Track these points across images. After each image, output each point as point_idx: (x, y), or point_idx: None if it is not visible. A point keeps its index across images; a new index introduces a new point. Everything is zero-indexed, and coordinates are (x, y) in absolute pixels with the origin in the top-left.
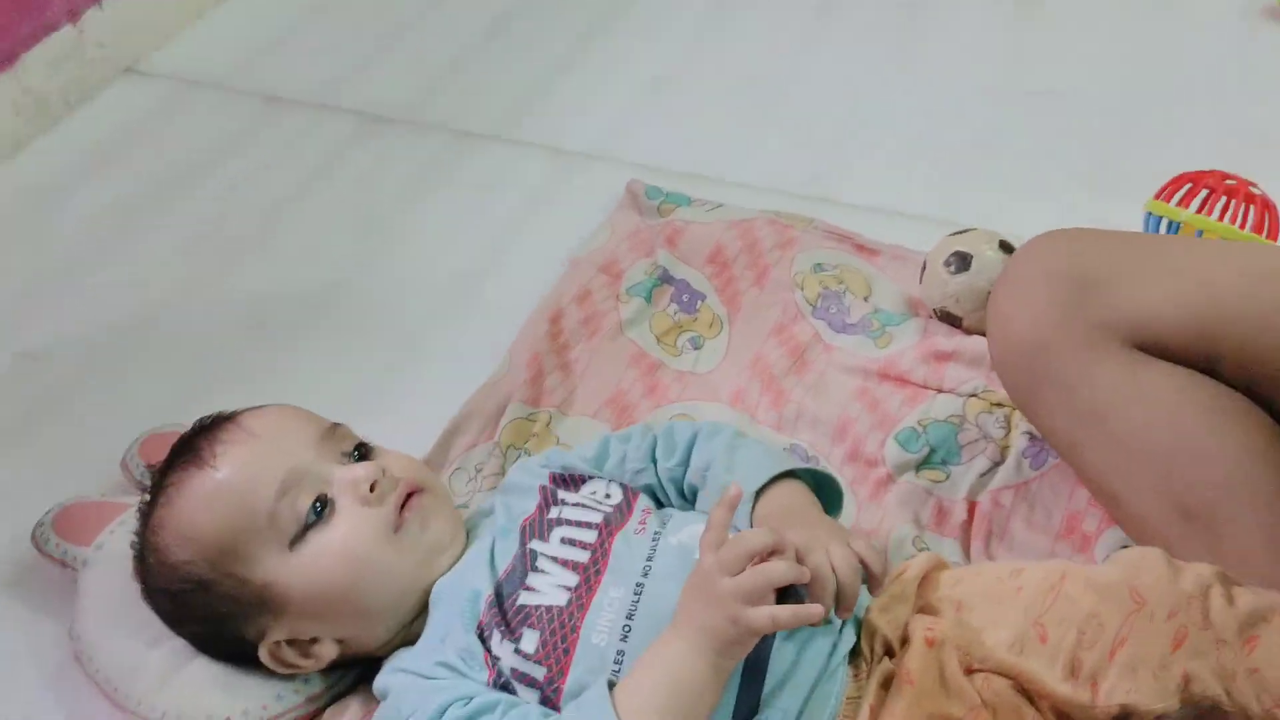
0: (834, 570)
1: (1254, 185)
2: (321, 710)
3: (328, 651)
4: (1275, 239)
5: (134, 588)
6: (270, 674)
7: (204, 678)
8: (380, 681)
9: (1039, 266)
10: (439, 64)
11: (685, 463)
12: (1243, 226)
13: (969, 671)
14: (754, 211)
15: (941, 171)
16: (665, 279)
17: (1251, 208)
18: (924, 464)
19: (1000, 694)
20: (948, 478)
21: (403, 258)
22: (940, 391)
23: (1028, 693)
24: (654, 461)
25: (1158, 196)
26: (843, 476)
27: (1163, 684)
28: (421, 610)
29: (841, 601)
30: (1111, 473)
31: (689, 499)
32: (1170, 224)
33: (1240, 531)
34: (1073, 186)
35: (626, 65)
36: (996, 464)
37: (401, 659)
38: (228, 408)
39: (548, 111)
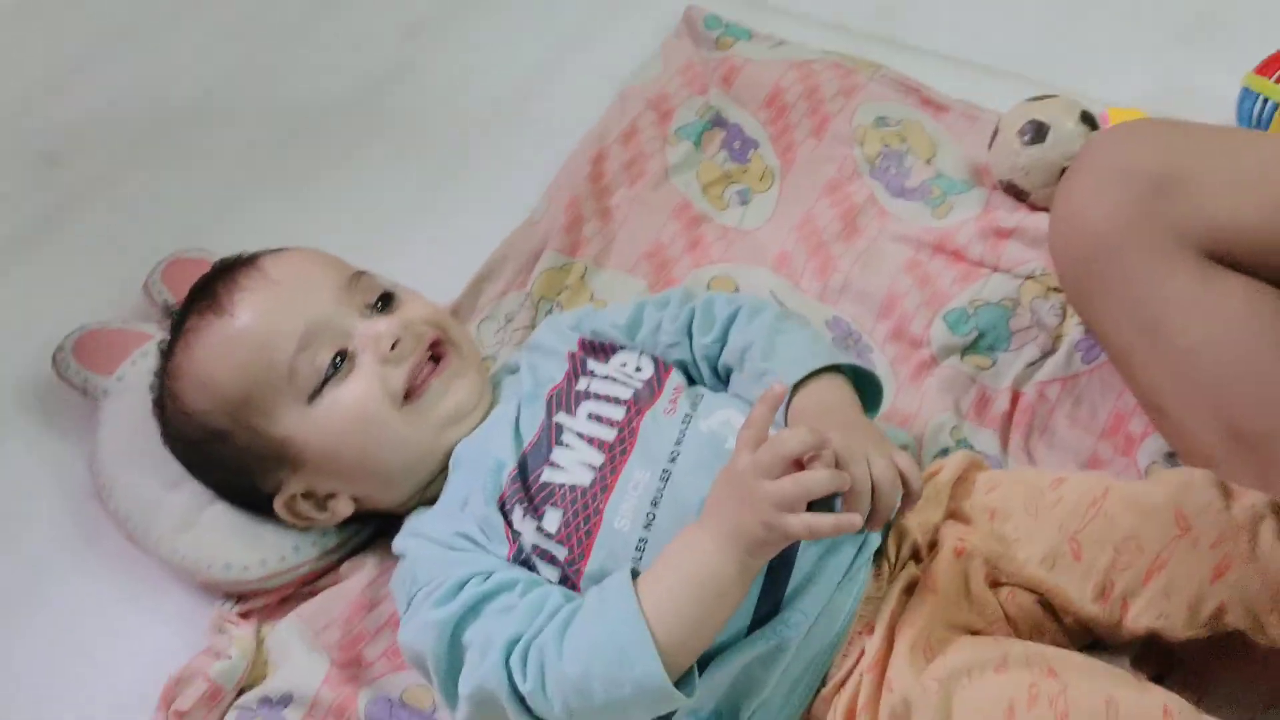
0: (872, 482)
1: None
2: (338, 564)
3: (343, 508)
4: None
5: (154, 425)
6: (287, 524)
7: (222, 525)
8: (399, 543)
9: (1116, 160)
10: None
11: (722, 340)
12: None
13: (995, 585)
14: (819, 52)
15: (1026, 21)
16: (717, 122)
17: None
18: (970, 348)
19: (1024, 609)
20: (994, 364)
21: (447, 70)
22: (996, 270)
23: (1054, 607)
24: (690, 336)
25: (1259, 71)
26: (885, 354)
27: (1195, 613)
28: (441, 471)
29: (875, 515)
30: (1164, 386)
31: (723, 379)
32: (1266, 101)
33: None
34: (1169, 51)
35: None
36: (1047, 354)
37: (421, 522)
38: (257, 225)
39: None
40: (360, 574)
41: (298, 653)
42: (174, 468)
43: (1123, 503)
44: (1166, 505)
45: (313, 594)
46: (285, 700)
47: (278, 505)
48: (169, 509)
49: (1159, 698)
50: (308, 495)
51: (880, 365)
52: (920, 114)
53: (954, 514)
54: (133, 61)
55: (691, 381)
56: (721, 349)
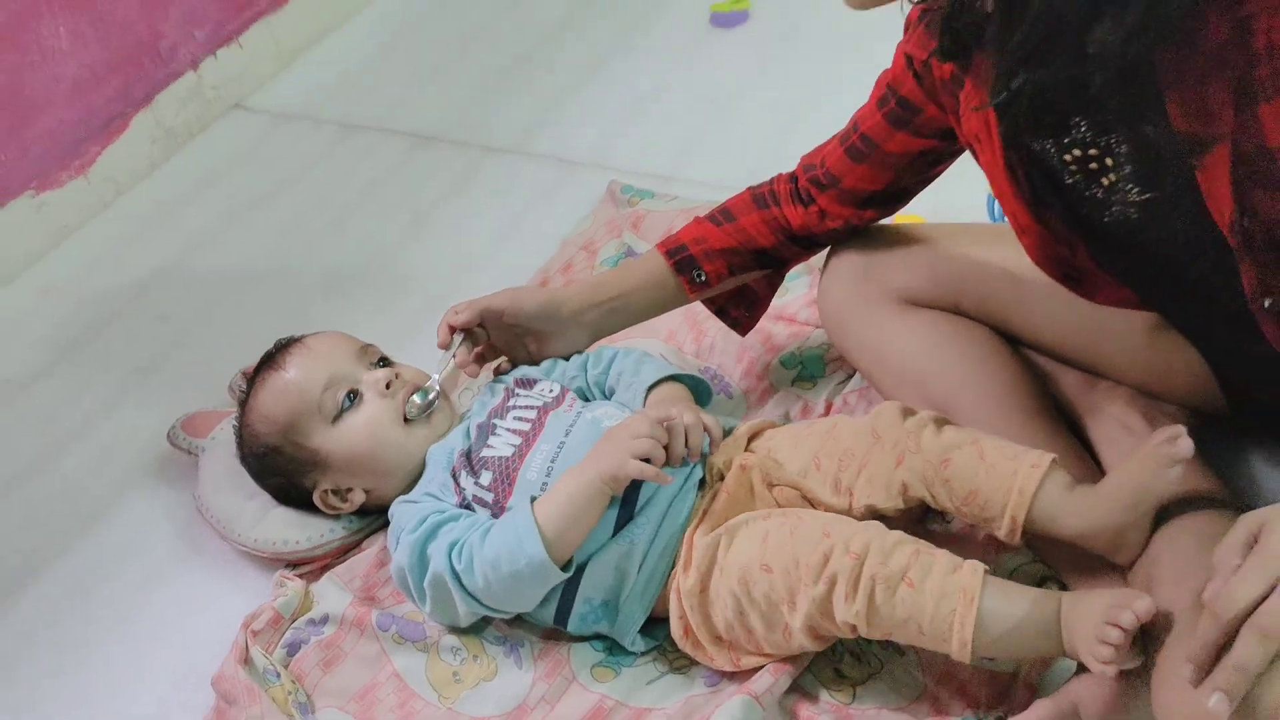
0: (685, 429)
1: None
2: (360, 542)
3: (358, 497)
4: None
5: (237, 464)
6: (324, 515)
7: (282, 518)
8: (391, 510)
9: (840, 260)
10: (472, 90)
11: (606, 371)
12: None
13: (770, 486)
14: (702, 201)
15: None
16: (629, 253)
17: None
18: (798, 378)
19: (790, 501)
20: (814, 386)
21: (436, 243)
22: (817, 327)
23: (811, 501)
24: (585, 370)
25: None
26: (740, 387)
27: (889, 491)
28: (422, 472)
29: (690, 450)
30: (892, 392)
31: (608, 397)
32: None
33: (971, 420)
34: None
35: (616, 90)
36: (850, 375)
37: (405, 495)
38: None
39: (556, 127)
40: (375, 545)
41: (332, 592)
42: (250, 486)
43: (844, 429)
44: (867, 426)
45: (343, 562)
46: (323, 620)
47: (315, 498)
48: (247, 512)
49: (863, 525)
50: (335, 491)
51: (736, 394)
52: None
53: (747, 450)
54: (220, 253)
55: (586, 400)
56: (606, 376)
